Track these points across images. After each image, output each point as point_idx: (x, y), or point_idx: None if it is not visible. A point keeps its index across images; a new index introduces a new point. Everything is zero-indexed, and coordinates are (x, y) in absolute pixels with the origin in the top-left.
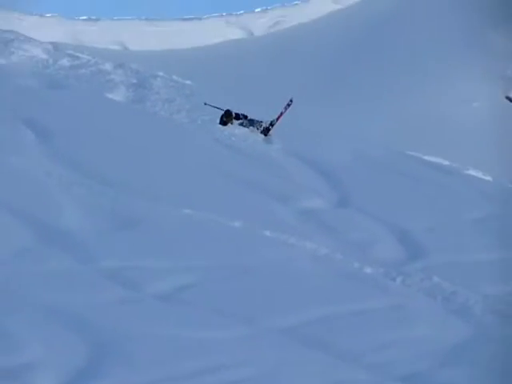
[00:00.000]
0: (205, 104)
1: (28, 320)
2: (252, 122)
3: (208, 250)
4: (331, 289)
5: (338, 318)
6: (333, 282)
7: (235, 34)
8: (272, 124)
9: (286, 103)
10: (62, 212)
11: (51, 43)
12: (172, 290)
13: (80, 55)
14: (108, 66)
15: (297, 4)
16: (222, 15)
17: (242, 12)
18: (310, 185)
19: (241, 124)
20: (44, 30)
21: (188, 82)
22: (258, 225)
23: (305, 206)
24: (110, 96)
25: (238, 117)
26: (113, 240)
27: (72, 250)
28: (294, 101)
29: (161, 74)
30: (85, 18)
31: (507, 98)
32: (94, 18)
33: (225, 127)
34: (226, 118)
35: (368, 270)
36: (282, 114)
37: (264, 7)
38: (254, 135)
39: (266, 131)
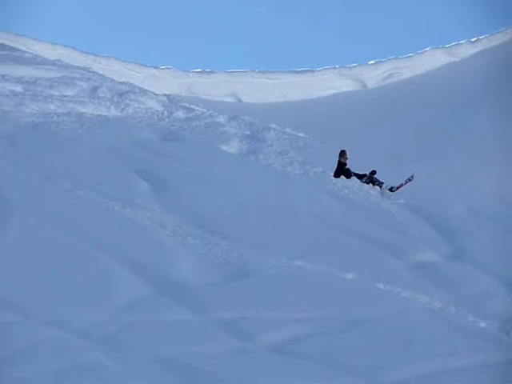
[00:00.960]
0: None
1: (144, 371)
2: (372, 180)
3: (320, 301)
4: (446, 343)
5: (453, 373)
6: (447, 336)
7: (348, 85)
8: (391, 190)
9: (407, 177)
10: (176, 263)
11: (166, 95)
12: (285, 342)
13: (194, 107)
14: (222, 119)
15: (410, 56)
16: (336, 67)
17: (355, 64)
18: (424, 238)
19: (361, 179)
20: (159, 82)
21: (301, 134)
22: (371, 277)
23: (419, 259)
24: (224, 148)
25: (360, 176)
26: (226, 291)
27: (185, 300)
28: (411, 167)
29: (274, 126)
30: (199, 70)
31: None
32: (207, 70)
33: (337, 179)
34: (341, 156)
35: (482, 324)
36: (401, 185)
37: (377, 59)
38: (367, 188)
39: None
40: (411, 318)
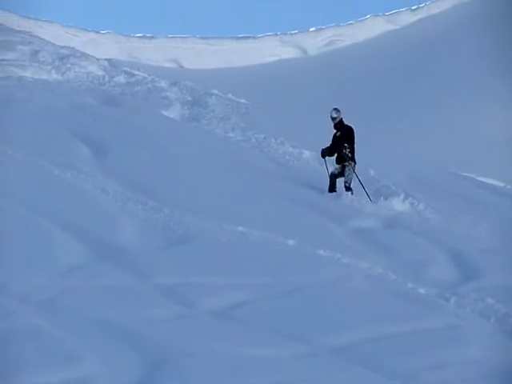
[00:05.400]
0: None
1: (83, 335)
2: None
3: (261, 267)
4: (385, 308)
5: (391, 338)
6: (386, 302)
7: (289, 53)
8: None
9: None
10: (117, 228)
11: (107, 60)
12: (226, 307)
13: (135, 72)
14: (163, 84)
15: (351, 23)
16: (277, 34)
17: (296, 31)
18: (364, 204)
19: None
20: (100, 47)
21: (243, 100)
22: (312, 244)
23: (359, 226)
24: (166, 113)
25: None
26: (167, 256)
27: (126, 266)
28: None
29: (216, 92)
30: (140, 35)
31: None
32: (149, 35)
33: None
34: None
35: (421, 291)
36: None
37: (318, 26)
38: (307, 155)
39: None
40: (351, 284)
